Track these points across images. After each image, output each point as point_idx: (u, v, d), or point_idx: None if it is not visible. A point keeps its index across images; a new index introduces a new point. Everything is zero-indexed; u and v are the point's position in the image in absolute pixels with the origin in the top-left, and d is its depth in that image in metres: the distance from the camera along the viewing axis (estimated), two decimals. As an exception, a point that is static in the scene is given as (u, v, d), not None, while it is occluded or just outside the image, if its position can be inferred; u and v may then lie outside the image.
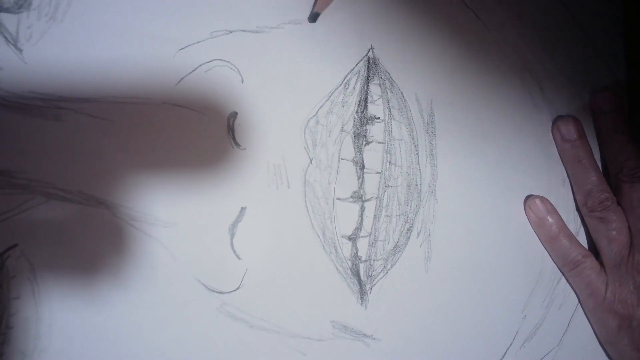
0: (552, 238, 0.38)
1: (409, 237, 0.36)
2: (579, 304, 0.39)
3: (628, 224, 0.37)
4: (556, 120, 0.40)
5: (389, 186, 0.36)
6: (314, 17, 0.34)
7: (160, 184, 0.31)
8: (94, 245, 0.30)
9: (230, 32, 0.33)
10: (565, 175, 0.40)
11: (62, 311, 0.29)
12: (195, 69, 0.33)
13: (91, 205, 0.30)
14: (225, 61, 0.33)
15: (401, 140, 0.36)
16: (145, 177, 0.31)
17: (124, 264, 0.31)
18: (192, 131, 0.32)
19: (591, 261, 0.38)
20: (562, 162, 0.40)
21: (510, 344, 0.37)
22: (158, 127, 0.32)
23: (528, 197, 0.39)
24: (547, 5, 0.41)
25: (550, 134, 0.40)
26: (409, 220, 0.36)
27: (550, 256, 0.39)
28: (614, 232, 0.37)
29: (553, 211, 0.38)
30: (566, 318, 0.39)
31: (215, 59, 0.33)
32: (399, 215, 0.36)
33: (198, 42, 0.33)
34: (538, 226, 0.39)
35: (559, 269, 0.39)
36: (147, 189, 0.31)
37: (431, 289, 0.36)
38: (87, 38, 0.31)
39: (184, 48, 0.32)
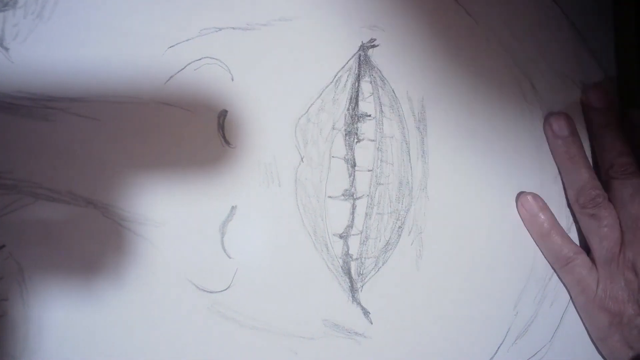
0: (543, 235, 0.38)
1: (400, 235, 0.36)
2: (571, 301, 0.39)
3: (619, 221, 0.37)
4: (548, 117, 0.40)
5: (380, 184, 0.36)
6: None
7: (149, 183, 0.31)
8: (84, 246, 0.30)
9: (220, 29, 0.33)
10: (557, 171, 0.40)
11: (51, 312, 0.29)
12: (185, 67, 0.32)
13: (80, 205, 0.30)
14: (215, 59, 0.33)
15: (392, 137, 0.36)
16: (135, 177, 0.31)
17: (114, 264, 0.30)
18: (182, 130, 0.32)
19: (582, 258, 0.38)
20: (554, 159, 0.40)
21: (502, 341, 0.37)
22: (147, 126, 0.32)
23: (520, 194, 0.39)
24: (537, 2, 0.41)
25: (542, 131, 0.40)
26: (400, 218, 0.36)
27: (542, 253, 0.39)
28: (606, 229, 0.37)
29: (545, 208, 0.38)
30: (558, 315, 0.39)
31: (205, 57, 0.33)
32: (391, 213, 0.36)
33: (187, 40, 0.32)
34: (530, 223, 0.38)
35: (550, 265, 0.39)
36: (136, 188, 0.31)
37: (423, 287, 0.36)
38: (75, 36, 0.31)
39: (173, 46, 0.32)
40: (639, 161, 0.38)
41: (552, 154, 0.40)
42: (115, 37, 0.31)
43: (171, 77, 0.32)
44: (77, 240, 0.30)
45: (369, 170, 0.35)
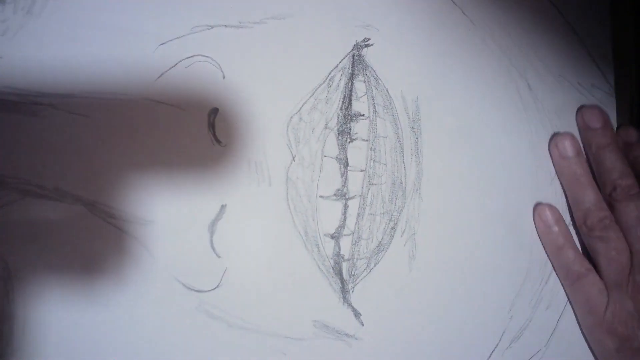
0: (558, 248, 0.38)
1: (393, 236, 0.35)
2: (577, 321, 0.38)
3: (627, 244, 0.37)
4: (553, 137, 0.39)
5: (373, 184, 0.35)
6: None
7: (138, 181, 0.31)
8: (70, 243, 0.30)
9: (212, 27, 0.33)
10: (554, 173, 0.40)
11: (36, 310, 0.29)
12: (176, 64, 0.32)
13: (68, 202, 0.30)
14: (207, 57, 0.33)
15: (386, 137, 0.36)
16: (124, 174, 0.31)
17: (100, 262, 0.30)
18: (172, 127, 0.32)
19: (593, 276, 0.37)
20: (559, 179, 0.40)
21: (497, 345, 0.37)
22: (137, 123, 0.31)
23: (537, 205, 0.38)
24: (534, 2, 0.40)
25: (538, 132, 0.40)
26: (393, 219, 0.35)
27: (553, 267, 0.38)
28: (614, 252, 0.36)
29: (560, 220, 0.38)
30: (553, 319, 0.38)
31: (196, 55, 0.32)
32: (383, 214, 0.35)
33: (178, 37, 0.32)
34: (545, 234, 0.38)
35: (560, 281, 0.38)
36: (125, 185, 0.31)
37: (415, 288, 0.35)
38: (66, 33, 0.31)
39: (164, 43, 0.32)
40: None
41: (557, 174, 0.40)
42: (105, 34, 0.31)
43: (162, 74, 0.32)
44: (64, 237, 0.30)
45: (361, 170, 0.35)
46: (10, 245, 0.29)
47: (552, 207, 0.38)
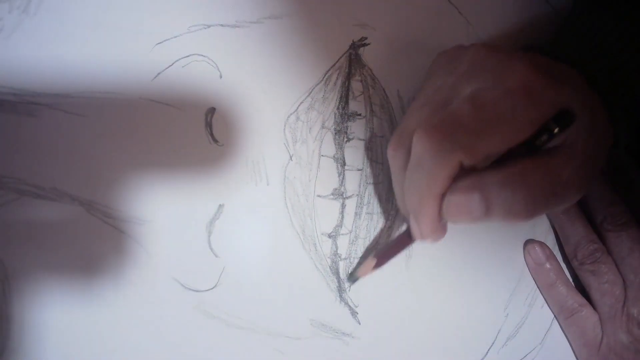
0: (549, 284, 0.38)
1: (389, 235, 0.35)
2: (573, 353, 0.38)
3: (621, 275, 0.36)
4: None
5: (370, 183, 0.35)
6: (353, 280, 0.34)
7: (135, 181, 0.31)
8: (68, 243, 0.30)
9: (209, 26, 0.33)
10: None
11: (34, 310, 0.29)
12: (173, 63, 0.32)
13: (65, 202, 0.30)
14: (203, 56, 0.33)
15: (383, 137, 0.36)
16: (121, 174, 0.31)
17: (98, 262, 0.30)
18: (169, 127, 0.32)
19: (587, 310, 0.37)
20: (550, 219, 0.39)
21: (493, 343, 0.37)
22: (134, 123, 0.31)
23: (527, 242, 0.38)
24: (531, 2, 0.40)
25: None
26: (390, 218, 0.35)
27: (547, 302, 0.38)
28: (606, 285, 0.36)
29: (552, 257, 0.38)
30: (548, 317, 0.38)
31: (193, 54, 0.32)
32: (380, 213, 0.35)
33: (175, 37, 0.32)
34: (536, 272, 0.38)
35: (554, 315, 0.38)
36: (122, 185, 0.31)
37: (412, 287, 0.35)
38: (62, 32, 0.31)
39: (160, 42, 0.32)
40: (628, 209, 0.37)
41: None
42: (102, 33, 0.31)
43: (159, 73, 0.32)
44: (61, 237, 0.30)
45: (358, 170, 0.35)
46: (7, 245, 0.29)
47: (542, 245, 0.38)
